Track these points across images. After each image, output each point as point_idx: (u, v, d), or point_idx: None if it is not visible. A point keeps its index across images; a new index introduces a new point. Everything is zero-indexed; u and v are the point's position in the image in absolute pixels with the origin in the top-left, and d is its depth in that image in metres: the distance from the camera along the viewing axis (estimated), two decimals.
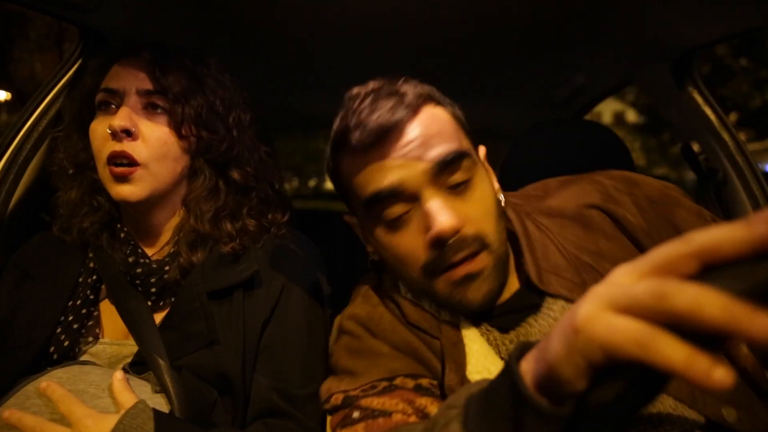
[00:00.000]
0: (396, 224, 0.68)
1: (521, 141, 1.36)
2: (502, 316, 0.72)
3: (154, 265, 0.89)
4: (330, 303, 1.04)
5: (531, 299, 0.72)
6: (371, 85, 0.71)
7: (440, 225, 0.64)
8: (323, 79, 1.59)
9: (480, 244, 0.67)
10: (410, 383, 0.69)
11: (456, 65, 1.38)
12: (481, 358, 0.70)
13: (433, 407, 0.66)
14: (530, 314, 0.71)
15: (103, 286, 0.91)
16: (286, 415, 0.85)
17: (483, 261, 0.68)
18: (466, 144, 0.71)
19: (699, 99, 1.20)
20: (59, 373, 0.78)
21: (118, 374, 0.78)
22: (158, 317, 0.87)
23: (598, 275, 0.70)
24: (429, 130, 0.67)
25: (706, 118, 1.19)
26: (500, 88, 1.66)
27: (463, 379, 0.68)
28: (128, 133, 0.83)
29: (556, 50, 1.22)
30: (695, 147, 1.21)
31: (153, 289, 0.88)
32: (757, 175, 1.13)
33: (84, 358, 0.83)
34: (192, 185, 0.92)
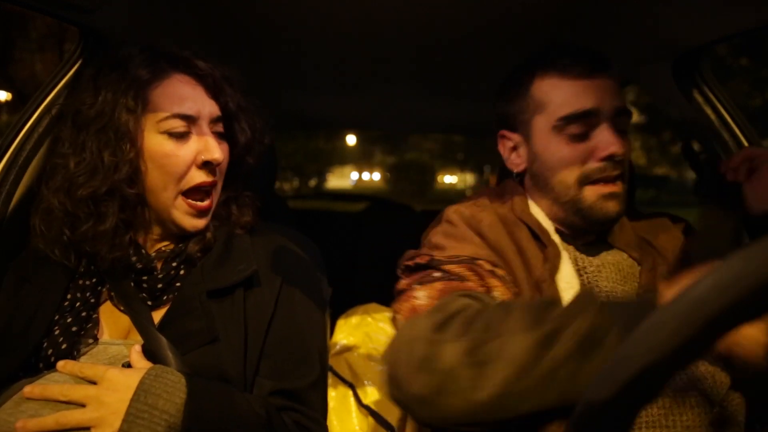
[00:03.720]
0: (577, 137, 0.88)
1: None
2: (587, 246, 0.93)
3: (162, 257, 0.90)
4: (330, 303, 1.05)
5: (605, 246, 0.94)
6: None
7: (617, 147, 0.86)
8: (323, 79, 1.59)
9: (625, 175, 0.89)
10: (487, 266, 0.83)
11: (456, 65, 1.38)
12: (568, 273, 0.86)
13: (500, 289, 0.81)
14: (604, 250, 0.93)
15: (104, 290, 0.91)
16: (289, 409, 0.86)
17: (621, 187, 0.89)
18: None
19: (699, 99, 1.20)
20: (55, 376, 0.78)
21: (137, 347, 0.81)
22: (156, 316, 0.87)
23: (652, 248, 0.94)
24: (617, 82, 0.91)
25: (706, 117, 1.19)
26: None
27: (551, 279, 0.84)
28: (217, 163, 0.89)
29: None
30: (695, 146, 1.21)
31: (159, 285, 0.88)
32: None
33: (83, 359, 0.83)
34: None
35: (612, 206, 0.88)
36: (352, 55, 1.32)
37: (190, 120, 0.87)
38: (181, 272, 0.90)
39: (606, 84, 0.88)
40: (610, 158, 0.86)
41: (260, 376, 0.86)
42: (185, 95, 0.87)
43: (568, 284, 0.84)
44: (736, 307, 0.34)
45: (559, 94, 0.88)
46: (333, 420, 1.43)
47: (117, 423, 0.70)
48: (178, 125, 0.85)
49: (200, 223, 0.90)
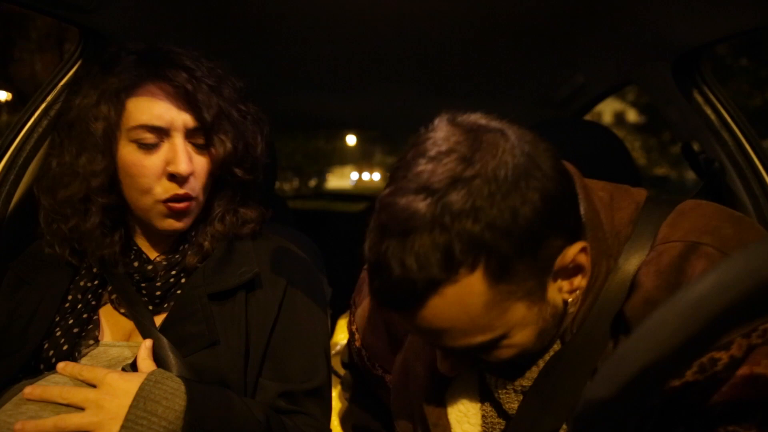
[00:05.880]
0: None
1: None
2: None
3: (160, 268, 0.89)
4: (330, 303, 1.05)
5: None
6: (384, 216, 0.59)
7: (440, 367, 0.65)
8: (323, 79, 1.59)
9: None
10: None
11: (456, 65, 1.38)
12: (463, 391, 0.72)
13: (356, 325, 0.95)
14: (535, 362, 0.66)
15: (104, 292, 0.90)
16: (292, 412, 0.86)
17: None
18: (491, 323, 0.56)
19: (699, 99, 1.20)
20: (56, 378, 0.77)
21: (147, 342, 0.81)
22: (158, 320, 0.87)
23: None
24: (435, 323, 0.56)
25: (706, 117, 1.19)
26: (500, 88, 1.66)
27: (443, 403, 0.72)
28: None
29: (556, 50, 1.22)
30: (695, 146, 1.21)
31: (158, 293, 0.88)
32: (758, 174, 1.13)
33: (84, 360, 0.83)
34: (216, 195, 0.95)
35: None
36: (353, 55, 1.32)
37: (161, 131, 0.84)
38: (182, 280, 0.90)
39: None
40: None
41: (264, 379, 0.86)
42: (157, 106, 0.84)
43: (457, 409, 0.72)
44: (737, 306, 0.34)
45: None
46: (333, 420, 1.43)
47: (116, 428, 0.70)
48: (147, 136, 0.84)
49: (177, 224, 0.88)
